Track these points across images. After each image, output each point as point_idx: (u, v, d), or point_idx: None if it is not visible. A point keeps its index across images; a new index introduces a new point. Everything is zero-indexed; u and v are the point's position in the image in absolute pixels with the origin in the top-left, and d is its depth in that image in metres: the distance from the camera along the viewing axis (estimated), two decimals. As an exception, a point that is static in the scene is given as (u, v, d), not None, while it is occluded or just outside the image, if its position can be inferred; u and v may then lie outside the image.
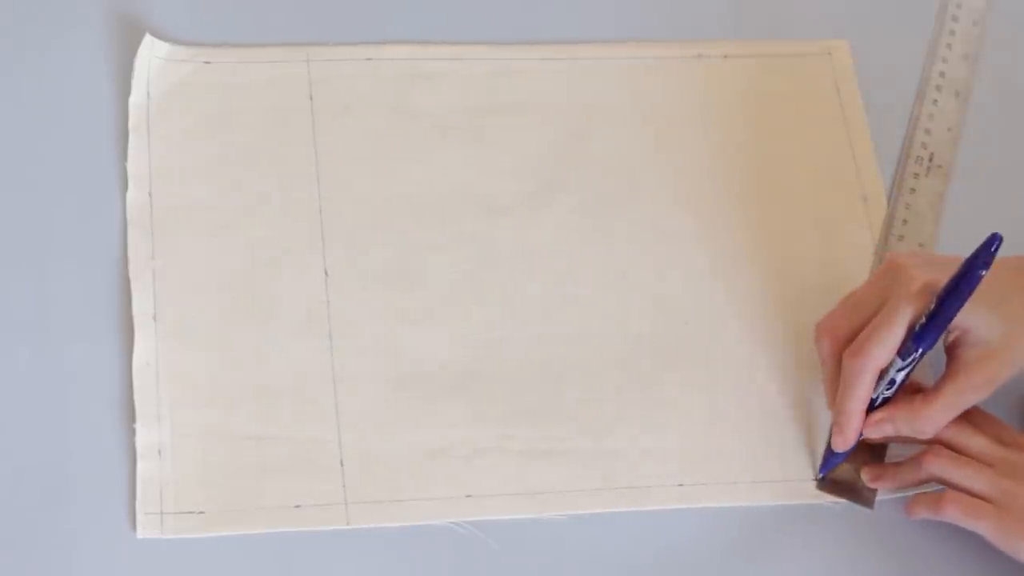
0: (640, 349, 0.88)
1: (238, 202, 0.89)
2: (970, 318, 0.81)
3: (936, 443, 0.83)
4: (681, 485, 0.85)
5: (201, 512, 0.81)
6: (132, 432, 0.82)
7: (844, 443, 0.83)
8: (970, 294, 0.78)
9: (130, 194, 0.89)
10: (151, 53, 0.93)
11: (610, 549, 0.83)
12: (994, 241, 0.77)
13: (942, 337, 0.81)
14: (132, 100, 0.91)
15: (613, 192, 0.93)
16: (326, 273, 0.88)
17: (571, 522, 0.83)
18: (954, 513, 0.82)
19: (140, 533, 0.80)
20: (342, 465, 0.83)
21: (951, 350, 0.83)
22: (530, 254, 0.90)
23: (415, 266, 0.89)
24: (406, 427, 0.84)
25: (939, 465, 0.83)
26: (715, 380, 0.88)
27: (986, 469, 0.82)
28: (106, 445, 0.82)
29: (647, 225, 0.92)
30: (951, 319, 0.79)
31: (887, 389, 0.82)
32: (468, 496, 0.83)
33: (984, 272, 0.77)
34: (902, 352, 0.81)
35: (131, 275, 0.86)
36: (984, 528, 0.81)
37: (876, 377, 0.82)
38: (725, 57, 0.99)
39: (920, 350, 0.80)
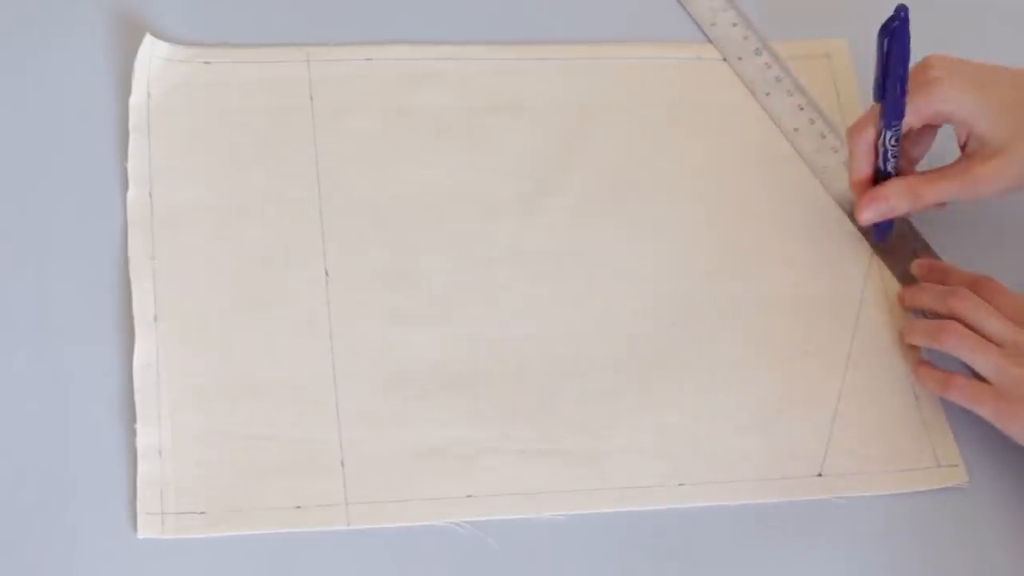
0: (639, 349, 0.88)
1: (238, 202, 0.89)
2: (978, 119, 0.86)
3: (953, 318, 0.86)
4: (681, 485, 0.85)
5: (202, 512, 0.81)
6: (132, 432, 0.82)
7: (860, 212, 0.89)
8: (897, 39, 0.84)
9: (130, 194, 0.89)
10: (151, 53, 0.92)
11: (610, 549, 0.83)
12: None
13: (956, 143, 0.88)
14: (132, 100, 0.91)
15: (612, 192, 0.93)
16: (326, 273, 0.88)
17: (571, 522, 0.83)
18: (956, 396, 0.86)
19: (141, 533, 0.80)
20: (343, 465, 0.83)
21: (963, 148, 0.89)
22: (529, 254, 0.90)
23: (415, 266, 0.89)
24: (406, 427, 0.84)
25: (952, 342, 0.86)
26: (714, 379, 0.88)
27: (994, 352, 0.84)
28: (106, 445, 0.82)
29: (646, 225, 0.92)
30: (891, 68, 0.85)
31: (888, 160, 0.88)
32: (468, 496, 0.83)
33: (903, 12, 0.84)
34: (883, 119, 0.87)
35: (131, 275, 0.86)
36: (982, 411, 0.85)
37: (872, 148, 0.88)
38: (724, 58, 0.99)
39: (886, 105, 0.86)
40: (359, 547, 0.81)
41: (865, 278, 0.93)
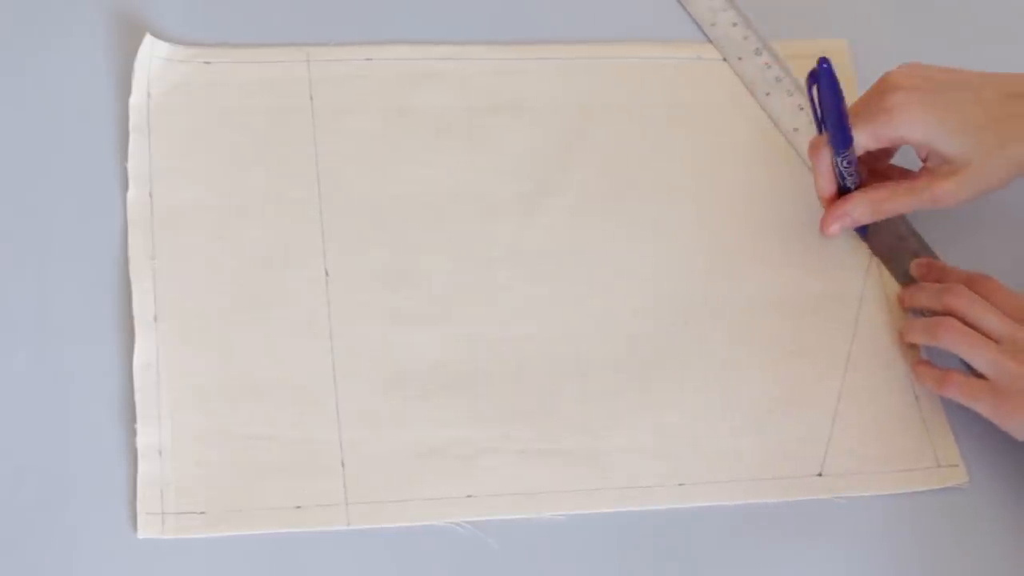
0: (639, 348, 0.88)
1: (238, 202, 0.89)
2: (939, 141, 0.88)
3: (950, 314, 0.87)
4: (681, 484, 0.85)
5: (202, 512, 0.81)
6: (132, 432, 0.82)
7: (826, 227, 0.92)
8: (824, 84, 0.87)
9: (130, 194, 0.89)
10: (151, 53, 0.92)
11: (610, 549, 0.83)
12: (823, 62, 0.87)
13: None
14: (132, 100, 0.91)
15: (612, 192, 0.93)
16: (326, 273, 0.88)
17: (571, 522, 0.83)
18: (954, 393, 0.86)
19: (141, 533, 0.80)
20: (343, 465, 0.83)
21: (924, 161, 0.91)
22: (529, 254, 0.90)
23: (415, 266, 0.89)
24: (406, 427, 0.84)
25: (950, 339, 0.87)
26: (714, 379, 0.88)
27: (991, 348, 0.85)
28: (106, 445, 0.82)
29: (646, 225, 0.92)
30: (825, 108, 0.88)
31: (846, 179, 0.91)
32: (468, 496, 0.83)
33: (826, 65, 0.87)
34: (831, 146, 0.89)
35: (131, 275, 0.86)
36: (980, 408, 0.85)
37: (831, 167, 0.90)
38: (724, 58, 0.99)
39: (831, 138, 0.88)
40: (359, 547, 0.81)
41: (865, 278, 0.93)
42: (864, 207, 0.91)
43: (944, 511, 0.86)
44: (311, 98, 0.93)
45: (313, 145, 0.92)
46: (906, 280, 0.92)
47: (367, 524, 0.82)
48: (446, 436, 0.84)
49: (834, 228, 0.92)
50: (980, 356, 0.85)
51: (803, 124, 0.97)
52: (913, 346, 0.90)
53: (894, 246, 0.93)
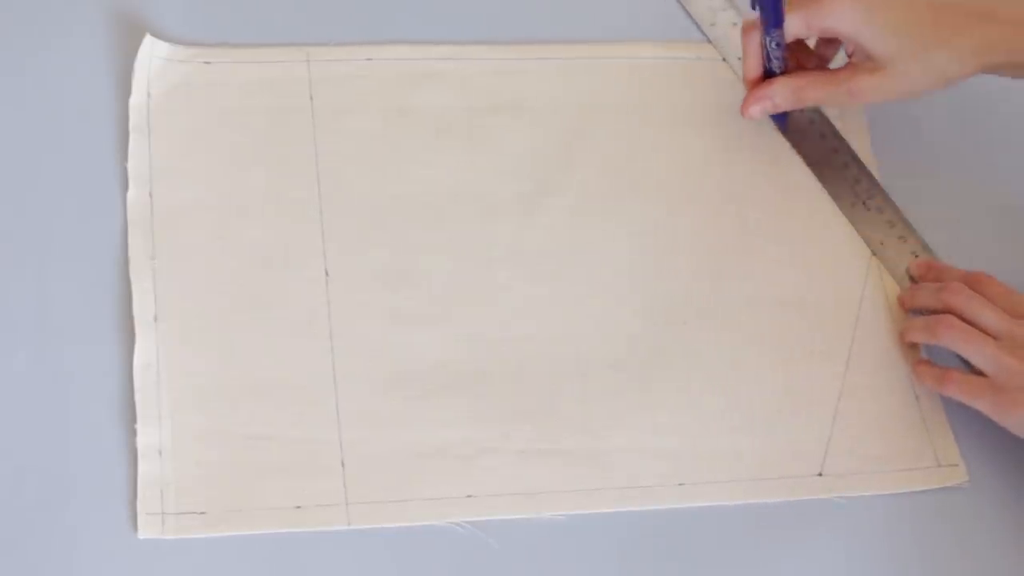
0: (639, 348, 0.88)
1: (238, 202, 0.89)
2: (864, 36, 0.89)
3: (949, 312, 0.87)
4: (681, 484, 0.85)
5: (202, 512, 0.81)
6: (132, 432, 0.82)
7: (747, 107, 0.94)
8: None
9: (130, 194, 0.89)
10: (151, 53, 0.92)
11: (610, 549, 0.83)
12: None
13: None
14: (132, 100, 0.91)
15: (612, 192, 0.93)
16: (326, 273, 0.88)
17: (571, 522, 0.83)
18: (955, 392, 0.86)
19: (141, 534, 0.80)
20: (343, 465, 0.83)
21: (849, 56, 0.92)
22: (529, 254, 0.90)
23: (415, 266, 0.89)
24: (406, 427, 0.84)
25: (949, 336, 0.87)
26: (714, 379, 0.88)
27: (990, 344, 0.85)
28: (106, 445, 0.82)
29: (646, 225, 0.92)
30: None
31: (773, 62, 0.92)
32: (468, 496, 0.83)
33: None
34: (762, 25, 0.91)
35: (131, 275, 0.86)
36: (980, 406, 0.85)
37: (760, 48, 0.92)
38: (724, 59, 0.99)
39: (762, 13, 0.90)
40: (359, 547, 0.81)
41: (865, 278, 0.93)
42: (785, 92, 0.92)
43: (944, 511, 0.86)
44: (311, 98, 0.93)
45: (313, 145, 0.92)
46: (906, 281, 0.92)
47: (367, 524, 0.82)
48: (446, 436, 0.84)
49: (754, 110, 0.94)
50: (979, 352, 0.85)
51: (804, 122, 0.97)
52: (914, 346, 0.90)
53: (807, 130, 0.96)
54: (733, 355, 0.89)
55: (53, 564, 0.79)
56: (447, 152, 0.93)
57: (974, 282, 0.89)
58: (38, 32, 0.93)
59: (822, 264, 0.93)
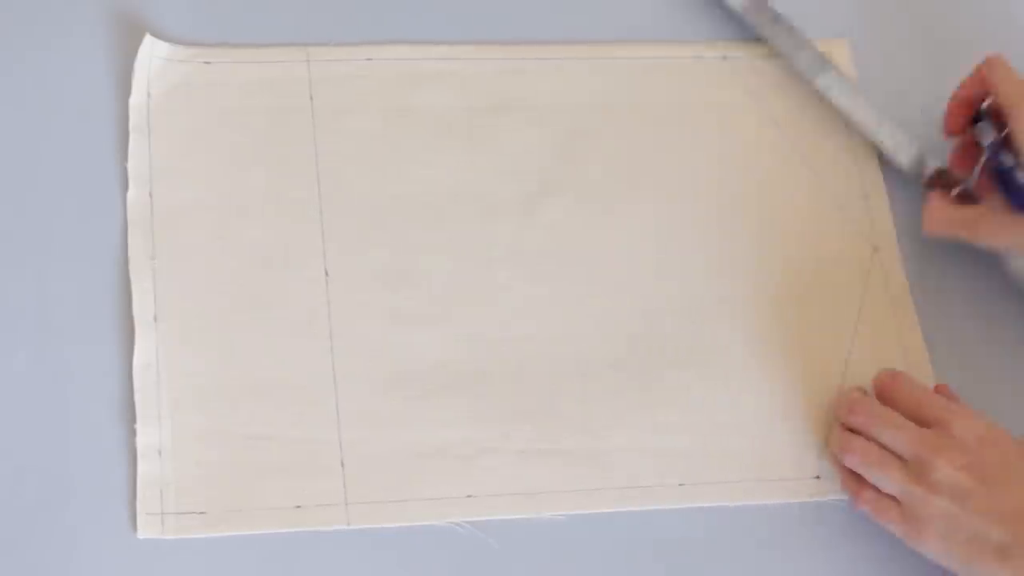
0: (640, 348, 0.88)
1: (238, 202, 0.89)
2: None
3: (854, 432, 0.84)
4: (681, 485, 0.85)
5: (202, 512, 0.81)
6: (132, 432, 0.82)
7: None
8: None
9: (130, 194, 0.89)
10: (151, 53, 0.92)
11: (610, 549, 0.83)
12: None
13: None
14: (132, 100, 0.91)
15: (612, 192, 0.93)
16: (326, 273, 0.88)
17: (571, 522, 0.83)
18: (865, 510, 0.83)
19: (141, 533, 0.80)
20: (342, 465, 0.83)
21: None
22: (529, 254, 0.90)
23: (415, 266, 0.89)
24: (406, 427, 0.84)
25: (854, 460, 0.83)
26: (714, 379, 0.88)
27: (896, 468, 0.81)
28: (106, 445, 0.82)
29: (645, 225, 0.92)
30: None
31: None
32: (468, 496, 0.83)
33: None
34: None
35: (131, 275, 0.86)
36: (891, 528, 0.82)
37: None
38: (724, 58, 0.99)
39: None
40: (359, 547, 0.81)
41: (865, 279, 0.93)
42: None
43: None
44: (311, 98, 0.93)
45: (313, 145, 0.92)
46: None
47: (367, 524, 0.82)
48: (446, 436, 0.85)
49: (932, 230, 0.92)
50: (885, 479, 0.82)
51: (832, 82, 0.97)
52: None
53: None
54: (732, 355, 0.89)
55: (53, 564, 0.79)
56: (447, 152, 0.93)
57: (884, 388, 0.86)
58: (38, 32, 0.93)
59: (822, 264, 0.93)
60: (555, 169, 0.93)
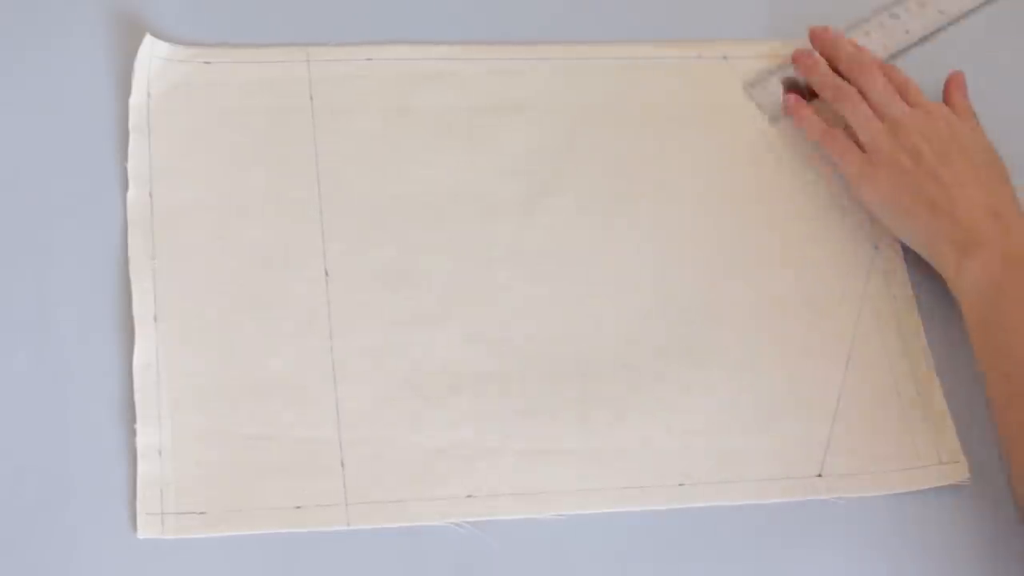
0: (640, 348, 0.88)
1: (238, 202, 0.89)
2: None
3: (847, 85, 0.95)
4: (681, 485, 0.85)
5: (202, 512, 0.81)
6: (132, 432, 0.82)
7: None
8: None
9: (130, 194, 0.89)
10: (151, 53, 0.92)
11: (610, 549, 0.83)
12: None
13: None
14: (132, 100, 0.91)
15: (612, 192, 0.93)
16: (326, 273, 0.88)
17: (571, 522, 0.83)
18: (830, 145, 0.94)
19: (141, 533, 0.80)
20: (343, 466, 0.83)
21: None
22: (530, 253, 0.90)
23: (416, 266, 0.89)
24: (407, 427, 0.84)
25: (840, 104, 0.94)
26: (714, 379, 0.88)
27: (875, 122, 0.93)
28: (106, 445, 0.82)
29: (647, 225, 0.92)
30: None
31: None
32: (468, 496, 0.83)
33: None
34: None
35: (131, 275, 0.86)
36: (846, 167, 0.93)
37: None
38: (724, 58, 0.99)
39: None
40: (359, 547, 0.81)
41: (866, 278, 0.93)
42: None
43: (945, 510, 0.86)
44: (311, 98, 0.93)
45: (313, 145, 0.92)
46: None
47: (367, 524, 0.82)
48: (446, 436, 0.84)
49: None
50: (867, 128, 0.92)
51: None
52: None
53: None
54: (732, 355, 0.89)
55: (53, 564, 0.79)
56: (447, 152, 0.93)
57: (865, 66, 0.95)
58: (38, 32, 0.93)
59: (823, 263, 0.93)
60: (555, 169, 0.93)
